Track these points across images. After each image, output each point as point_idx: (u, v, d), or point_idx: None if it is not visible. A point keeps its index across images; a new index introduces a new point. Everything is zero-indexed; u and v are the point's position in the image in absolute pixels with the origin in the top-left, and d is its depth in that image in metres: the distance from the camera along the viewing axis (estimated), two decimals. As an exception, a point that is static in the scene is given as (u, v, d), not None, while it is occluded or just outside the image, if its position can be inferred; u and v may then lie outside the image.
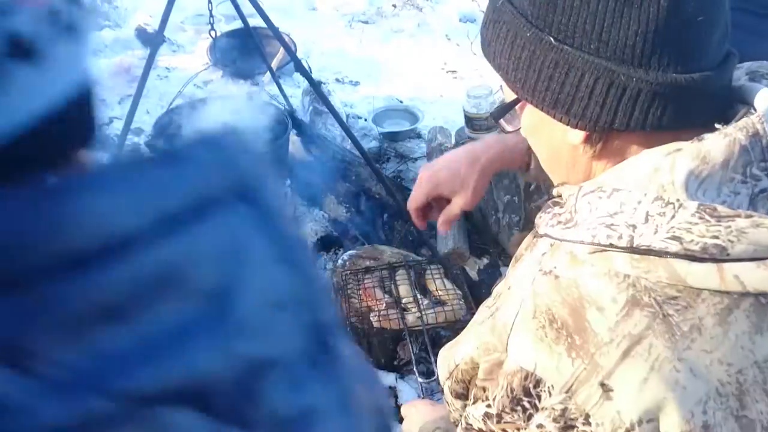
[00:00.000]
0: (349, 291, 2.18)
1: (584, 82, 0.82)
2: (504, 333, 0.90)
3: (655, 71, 0.80)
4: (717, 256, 0.78)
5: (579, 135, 0.87)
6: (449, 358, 1.04)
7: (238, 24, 3.34)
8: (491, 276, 2.50)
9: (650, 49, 0.79)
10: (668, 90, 0.80)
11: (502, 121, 1.01)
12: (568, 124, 0.87)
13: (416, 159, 3.32)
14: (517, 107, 0.96)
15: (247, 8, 2.55)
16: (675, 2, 0.78)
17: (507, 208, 2.62)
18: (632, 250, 0.81)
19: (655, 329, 0.81)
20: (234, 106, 2.61)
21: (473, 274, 2.51)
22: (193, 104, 2.65)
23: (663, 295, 0.81)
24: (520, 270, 0.98)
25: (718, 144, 0.80)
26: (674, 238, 0.78)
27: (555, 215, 0.91)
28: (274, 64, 3.52)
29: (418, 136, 3.50)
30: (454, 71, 4.29)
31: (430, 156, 3.15)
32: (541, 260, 0.92)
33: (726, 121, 0.83)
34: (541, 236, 0.94)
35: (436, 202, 1.42)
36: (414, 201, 1.41)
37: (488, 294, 2.13)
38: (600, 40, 0.80)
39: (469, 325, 1.03)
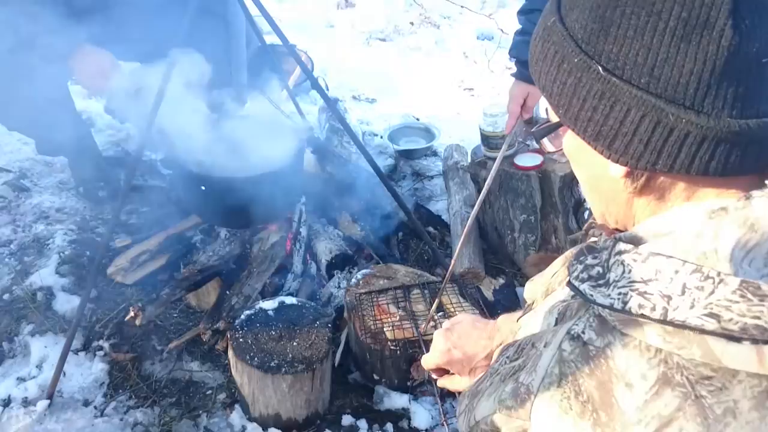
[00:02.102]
0: (362, 311, 2.16)
1: (630, 117, 0.78)
2: (527, 399, 0.85)
3: (707, 115, 0.74)
4: (757, 337, 0.71)
5: (620, 170, 0.83)
6: (469, 412, 0.99)
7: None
8: (507, 296, 2.47)
9: (704, 90, 0.74)
10: (720, 136, 0.75)
11: (544, 140, 0.98)
12: (609, 158, 0.82)
13: (432, 177, 3.30)
14: (560, 129, 0.93)
15: (266, 25, 2.57)
16: (738, 42, 0.72)
17: (523, 228, 2.59)
18: (665, 322, 0.75)
19: (687, 411, 0.74)
20: (252, 123, 2.62)
21: (488, 294, 2.48)
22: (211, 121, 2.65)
23: (696, 374, 0.75)
24: (546, 317, 0.94)
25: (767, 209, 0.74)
26: (712, 315, 0.72)
27: (587, 267, 0.84)
28: (291, 82, 3.53)
29: (434, 153, 3.49)
30: (471, 89, 4.28)
31: (446, 174, 3.14)
32: (567, 313, 0.88)
33: None
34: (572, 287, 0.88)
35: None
36: (428, 364, 1.40)
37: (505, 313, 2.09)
38: (651, 75, 0.75)
39: (490, 372, 0.98)
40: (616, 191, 0.87)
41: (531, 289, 1.25)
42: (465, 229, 2.02)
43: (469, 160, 3.02)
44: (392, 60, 4.56)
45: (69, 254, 2.59)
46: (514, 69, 2.32)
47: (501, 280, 2.57)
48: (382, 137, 3.57)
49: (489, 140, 2.67)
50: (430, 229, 2.86)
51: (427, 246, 2.71)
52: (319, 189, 2.79)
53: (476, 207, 2.02)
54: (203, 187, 2.39)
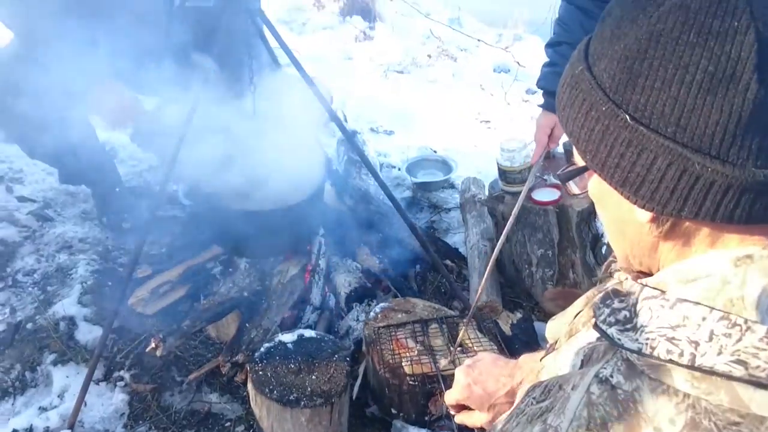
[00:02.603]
0: (381, 345, 2.17)
1: (656, 165, 0.79)
2: None
3: (732, 164, 0.75)
4: None
5: (646, 215, 0.84)
6: None
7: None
8: (524, 331, 2.47)
9: (730, 140, 0.75)
10: (745, 185, 0.76)
11: (570, 183, 1.00)
12: (635, 204, 0.83)
13: (449, 209, 3.33)
14: (586, 172, 0.94)
15: (285, 58, 2.62)
16: (763, 95, 0.74)
17: (541, 262, 2.60)
18: (693, 368, 0.76)
19: None
20: (272, 154, 2.66)
21: (506, 328, 2.48)
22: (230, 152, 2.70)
23: (724, 420, 0.75)
24: (571, 359, 0.95)
25: None
26: (739, 362, 0.73)
27: (614, 311, 0.85)
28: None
29: (452, 186, 3.51)
30: (488, 121, 4.31)
31: (463, 207, 3.16)
32: (594, 356, 0.88)
33: None
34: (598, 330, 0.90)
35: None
36: (449, 400, 1.42)
37: (522, 349, 2.10)
38: (678, 125, 0.76)
39: (516, 413, 0.98)
40: (641, 235, 0.88)
41: (553, 329, 1.26)
42: (488, 268, 2.03)
43: (487, 193, 3.05)
44: (410, 92, 4.62)
45: (91, 284, 2.63)
46: (529, 101, 2.37)
47: (518, 314, 2.58)
48: (399, 169, 3.60)
49: (506, 175, 2.69)
50: (448, 262, 2.87)
51: (445, 279, 2.72)
52: (338, 221, 2.82)
53: (499, 244, 2.03)
54: (223, 219, 2.43)
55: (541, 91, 2.39)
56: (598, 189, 0.91)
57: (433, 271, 2.81)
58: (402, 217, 2.57)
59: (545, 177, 2.65)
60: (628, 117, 0.79)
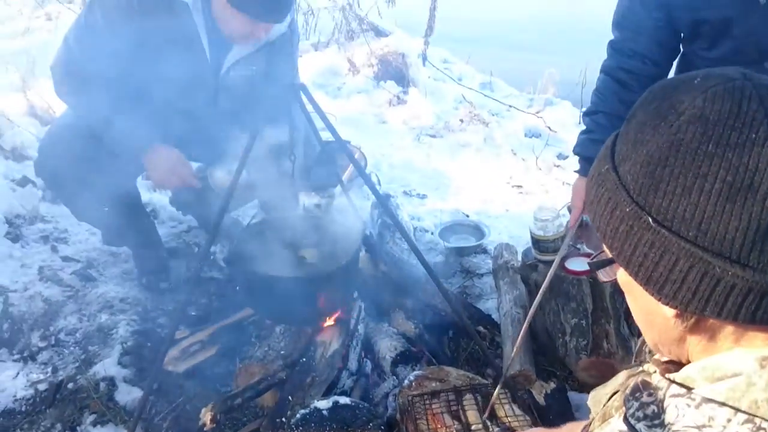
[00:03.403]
0: (415, 414, 2.18)
1: (678, 267, 0.82)
2: None
3: (752, 269, 0.78)
4: None
5: (671, 310, 0.87)
6: None
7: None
8: (558, 401, 2.45)
9: (750, 246, 0.77)
10: (765, 288, 0.79)
11: (599, 272, 1.04)
12: (659, 301, 0.86)
13: (482, 275, 3.35)
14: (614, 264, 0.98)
15: (319, 121, 2.71)
16: None
17: (574, 332, 2.61)
18: None
19: None
20: (308, 222, 2.73)
21: (540, 398, 2.47)
22: (269, 220, 2.78)
23: None
24: None
25: None
26: None
27: (643, 405, 0.88)
28: (345, 177, 3.67)
29: (484, 251, 3.54)
30: (520, 186, 4.36)
31: (495, 273, 3.18)
32: None
33: None
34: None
35: None
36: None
37: (556, 419, 2.09)
38: (699, 230, 0.79)
39: None
40: (668, 327, 0.91)
41: (595, 399, 1.27)
42: (521, 335, 2.06)
43: (520, 260, 3.07)
44: (442, 156, 4.71)
45: (131, 345, 2.69)
46: (560, 166, 2.44)
47: (552, 384, 2.56)
48: (432, 234, 3.65)
49: (540, 244, 2.72)
50: (480, 328, 2.88)
51: (477, 346, 2.73)
52: (373, 286, 2.86)
53: (531, 312, 2.05)
54: (260, 284, 2.48)
55: (578, 157, 2.45)
56: (626, 281, 0.94)
57: (466, 337, 2.82)
58: (435, 283, 2.60)
59: (578, 246, 2.67)
60: (651, 219, 0.83)
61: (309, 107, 2.70)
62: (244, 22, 2.51)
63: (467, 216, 3.88)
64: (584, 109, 2.47)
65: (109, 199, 2.73)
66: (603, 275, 1.04)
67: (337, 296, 2.58)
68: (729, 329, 0.86)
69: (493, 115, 5.32)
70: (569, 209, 2.46)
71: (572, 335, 2.62)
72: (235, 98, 2.88)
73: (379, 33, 6.27)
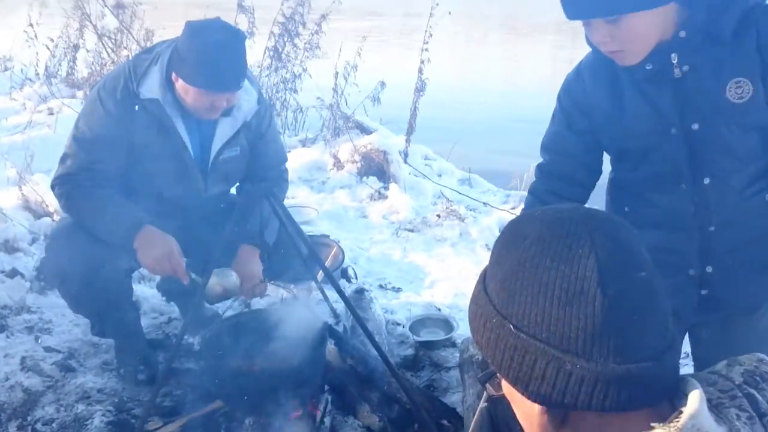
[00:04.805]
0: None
1: (537, 365, 0.95)
2: None
3: (595, 361, 0.92)
4: None
5: (539, 407, 0.99)
6: None
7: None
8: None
9: (591, 342, 0.92)
10: (609, 378, 0.92)
11: (488, 385, 1.16)
12: (528, 399, 0.99)
13: (450, 368, 3.46)
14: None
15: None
16: (609, 304, 0.92)
17: (530, 426, 2.71)
18: None
19: None
20: (277, 315, 2.88)
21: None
22: (242, 316, 2.93)
23: None
24: None
25: None
26: None
27: None
28: (321, 272, 3.84)
29: (453, 345, 3.66)
30: (492, 280, 4.51)
31: (461, 367, 3.30)
32: None
33: (674, 408, 0.93)
34: None
35: None
36: None
37: None
38: (549, 331, 0.94)
39: None
40: (544, 426, 1.03)
41: None
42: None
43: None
44: (418, 250, 4.88)
45: (105, 435, 2.78)
46: None
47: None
48: (404, 327, 3.78)
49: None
50: (444, 422, 2.98)
51: (441, 440, 2.83)
52: (339, 379, 2.98)
53: (479, 409, 2.18)
54: (229, 375, 2.61)
55: None
56: (507, 389, 1.08)
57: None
58: (394, 377, 2.73)
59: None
60: (512, 326, 0.99)
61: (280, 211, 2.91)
62: (198, 94, 2.63)
63: (439, 309, 4.02)
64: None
65: (108, 291, 2.87)
66: (491, 389, 1.18)
67: (305, 390, 2.70)
68: (589, 420, 0.99)
69: (470, 210, 5.53)
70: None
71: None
72: (225, 181, 3.06)
73: (364, 130, 6.57)
